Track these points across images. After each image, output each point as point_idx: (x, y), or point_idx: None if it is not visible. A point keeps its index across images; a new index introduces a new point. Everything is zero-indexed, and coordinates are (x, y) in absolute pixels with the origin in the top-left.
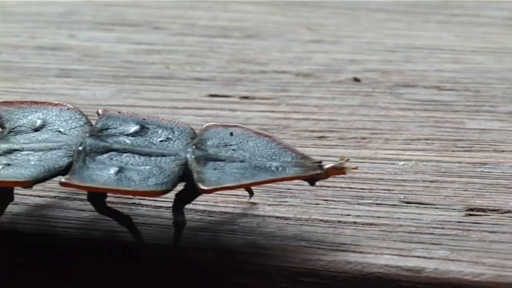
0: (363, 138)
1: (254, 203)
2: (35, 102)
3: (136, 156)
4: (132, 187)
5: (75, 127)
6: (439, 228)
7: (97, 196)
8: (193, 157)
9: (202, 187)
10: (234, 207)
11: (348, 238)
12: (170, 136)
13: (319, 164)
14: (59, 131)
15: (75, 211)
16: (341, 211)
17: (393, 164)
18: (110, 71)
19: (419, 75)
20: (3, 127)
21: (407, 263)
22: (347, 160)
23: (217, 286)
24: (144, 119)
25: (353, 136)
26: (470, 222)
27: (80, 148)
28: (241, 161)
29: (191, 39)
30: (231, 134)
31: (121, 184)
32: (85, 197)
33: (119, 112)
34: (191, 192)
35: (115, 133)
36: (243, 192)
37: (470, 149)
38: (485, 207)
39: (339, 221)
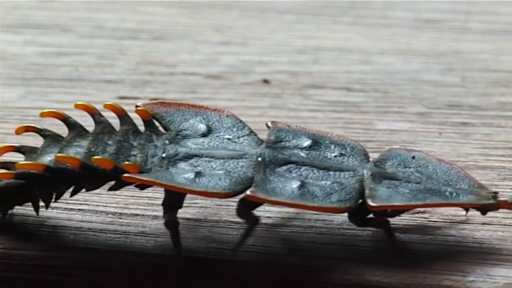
0: None
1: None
2: (193, 106)
3: (315, 170)
4: (316, 203)
5: (243, 136)
6: (349, 229)
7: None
8: (369, 173)
9: (370, 203)
10: (144, 209)
11: (259, 240)
12: (343, 152)
13: (493, 195)
14: (228, 139)
15: None
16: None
17: None
18: (18, 73)
19: (328, 77)
20: (167, 129)
21: (318, 264)
22: None
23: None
24: (314, 133)
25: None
26: None
27: (259, 159)
28: (417, 183)
29: (100, 41)
30: (413, 157)
31: (306, 200)
32: None
33: (288, 126)
34: (363, 210)
35: (289, 146)
36: (156, 193)
37: (380, 150)
38: None
39: None
